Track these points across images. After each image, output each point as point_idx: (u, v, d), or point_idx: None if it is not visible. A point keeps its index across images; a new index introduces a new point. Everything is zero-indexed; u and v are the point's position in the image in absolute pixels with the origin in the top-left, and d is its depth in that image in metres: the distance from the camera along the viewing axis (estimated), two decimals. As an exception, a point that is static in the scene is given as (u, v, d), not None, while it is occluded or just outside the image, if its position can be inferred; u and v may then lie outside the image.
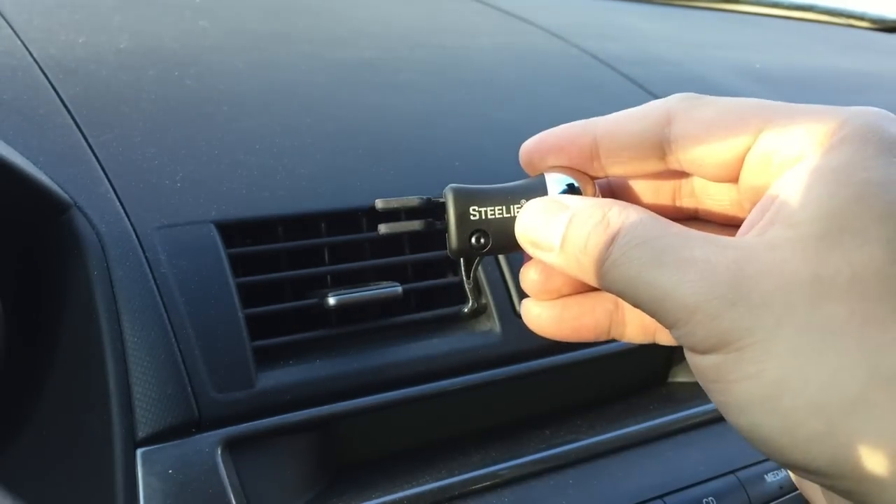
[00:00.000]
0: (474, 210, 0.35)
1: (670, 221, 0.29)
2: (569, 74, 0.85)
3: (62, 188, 0.47)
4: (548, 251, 0.31)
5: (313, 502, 0.50)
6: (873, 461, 0.24)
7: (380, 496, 0.50)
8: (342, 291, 0.51)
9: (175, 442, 0.45)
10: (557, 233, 0.31)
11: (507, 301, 0.57)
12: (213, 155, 0.56)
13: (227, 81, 0.65)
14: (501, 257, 0.57)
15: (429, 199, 0.35)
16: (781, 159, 0.29)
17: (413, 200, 0.35)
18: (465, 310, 0.36)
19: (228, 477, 0.46)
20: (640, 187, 0.34)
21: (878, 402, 0.24)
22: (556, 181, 0.33)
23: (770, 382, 0.25)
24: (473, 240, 0.35)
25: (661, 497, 0.55)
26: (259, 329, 0.49)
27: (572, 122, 0.33)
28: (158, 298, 0.47)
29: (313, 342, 0.51)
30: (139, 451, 0.45)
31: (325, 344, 0.52)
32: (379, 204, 0.34)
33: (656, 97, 0.81)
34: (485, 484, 0.53)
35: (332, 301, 0.50)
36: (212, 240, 0.50)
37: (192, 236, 0.49)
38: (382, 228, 0.35)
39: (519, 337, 0.57)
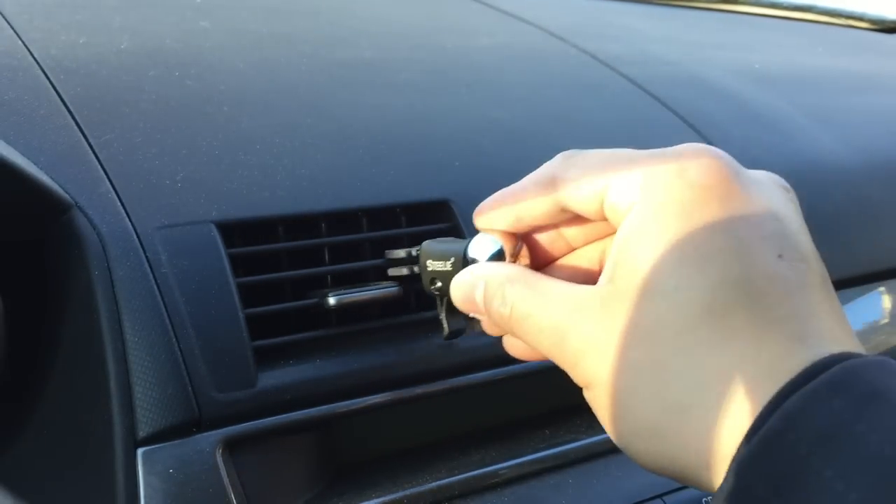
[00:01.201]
0: (430, 262, 0.45)
1: (550, 290, 0.36)
2: (569, 75, 0.86)
3: (63, 188, 0.48)
4: (482, 316, 0.39)
5: (313, 502, 0.50)
6: (675, 471, 0.32)
7: (380, 496, 0.50)
8: (342, 291, 0.51)
9: (175, 441, 0.45)
10: (480, 305, 0.39)
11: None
12: (214, 155, 0.56)
13: (227, 82, 0.65)
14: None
15: (410, 252, 0.49)
16: (621, 211, 0.34)
17: (401, 253, 0.50)
18: (444, 336, 0.48)
19: (229, 476, 0.46)
20: (572, 230, 0.40)
21: (668, 428, 0.31)
22: (485, 241, 0.41)
23: (611, 414, 0.33)
24: (433, 285, 0.46)
25: (660, 496, 0.55)
26: (259, 329, 0.49)
27: (497, 193, 0.40)
28: (159, 298, 0.47)
29: (313, 342, 0.52)
30: (140, 451, 0.45)
31: (326, 344, 0.52)
32: (388, 254, 0.51)
33: (656, 97, 0.82)
34: (485, 484, 0.53)
35: (332, 301, 0.50)
36: (212, 240, 0.50)
37: (192, 236, 0.50)
38: (391, 272, 0.51)
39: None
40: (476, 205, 0.58)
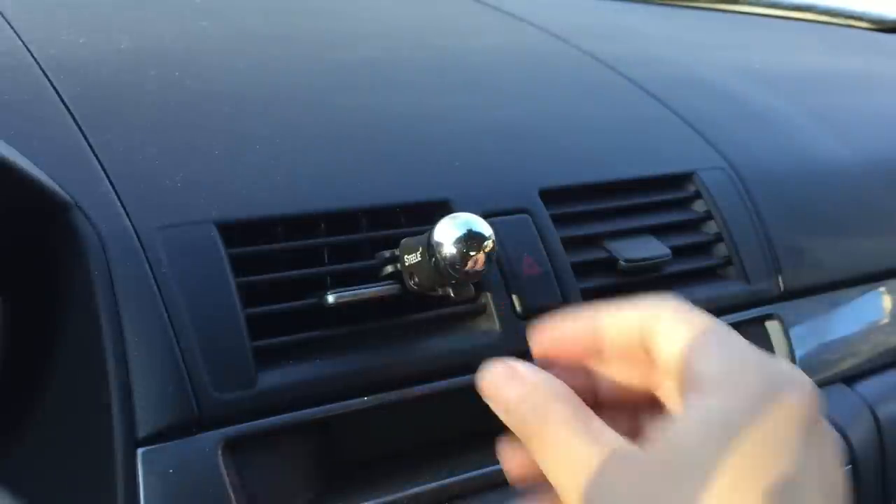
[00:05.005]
0: (406, 258, 0.45)
1: (594, 427, 0.35)
2: (569, 75, 0.86)
3: (63, 188, 0.48)
4: (501, 410, 0.37)
5: (313, 502, 0.50)
6: None
7: (380, 496, 0.50)
8: (341, 290, 0.51)
9: (175, 441, 0.45)
10: (511, 401, 0.37)
11: (508, 301, 0.57)
12: (214, 155, 0.56)
13: (227, 82, 0.65)
14: (502, 258, 0.57)
15: (393, 252, 0.50)
16: (696, 387, 0.33)
17: (385, 253, 0.51)
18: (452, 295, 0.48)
19: (229, 476, 0.46)
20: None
21: None
22: (453, 224, 0.41)
23: None
24: (412, 280, 0.46)
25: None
26: (259, 329, 0.49)
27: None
28: (159, 298, 0.47)
29: (313, 342, 0.52)
30: (140, 451, 0.45)
31: (326, 344, 0.52)
32: (377, 257, 0.53)
33: (656, 98, 0.82)
34: (485, 484, 0.53)
35: (330, 299, 0.50)
36: (212, 240, 0.50)
37: (192, 236, 0.50)
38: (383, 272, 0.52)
39: (519, 337, 0.57)
40: (476, 205, 0.58)
